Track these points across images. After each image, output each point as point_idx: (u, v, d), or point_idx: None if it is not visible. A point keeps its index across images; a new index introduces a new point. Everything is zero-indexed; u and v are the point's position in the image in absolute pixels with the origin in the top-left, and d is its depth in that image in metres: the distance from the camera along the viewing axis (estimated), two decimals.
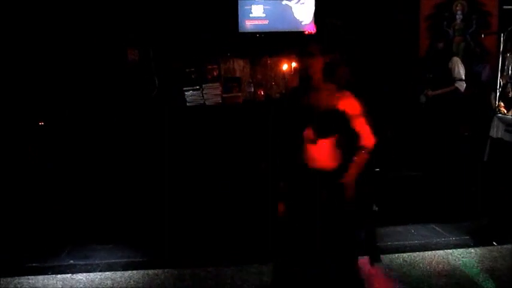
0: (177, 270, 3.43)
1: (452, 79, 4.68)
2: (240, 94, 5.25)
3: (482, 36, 5.43)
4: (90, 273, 3.45)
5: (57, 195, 4.47)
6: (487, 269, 3.30)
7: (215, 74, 5.33)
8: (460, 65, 4.71)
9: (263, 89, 5.42)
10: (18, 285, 3.28)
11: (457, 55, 5.08)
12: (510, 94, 4.83)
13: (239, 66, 5.53)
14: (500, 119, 4.69)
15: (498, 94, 4.84)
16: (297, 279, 2.40)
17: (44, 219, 4.25)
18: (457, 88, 4.68)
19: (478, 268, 3.32)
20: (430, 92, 4.81)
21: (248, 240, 3.92)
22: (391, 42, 5.32)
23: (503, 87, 4.88)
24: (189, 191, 4.60)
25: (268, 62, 5.58)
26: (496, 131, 4.71)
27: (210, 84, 5.15)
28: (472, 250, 3.63)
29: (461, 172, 4.64)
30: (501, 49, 4.88)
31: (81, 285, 3.28)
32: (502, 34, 4.89)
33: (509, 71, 4.84)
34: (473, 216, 4.20)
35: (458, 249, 3.65)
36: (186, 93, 5.09)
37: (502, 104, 4.81)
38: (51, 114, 4.83)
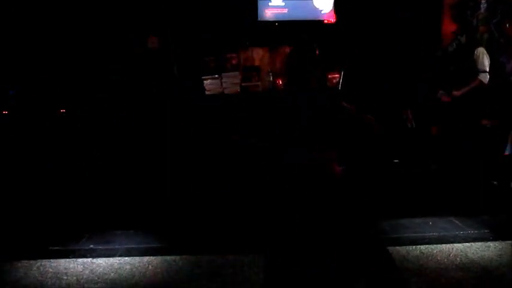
0: (195, 256, 3.48)
1: (476, 71, 4.56)
2: (259, 83, 5.24)
3: (507, 26, 5.28)
4: (110, 258, 3.52)
5: (80, 181, 4.56)
6: (505, 263, 3.26)
7: (234, 62, 5.33)
8: (485, 56, 4.58)
9: (282, 79, 5.39)
10: (41, 268, 3.38)
11: (481, 45, 4.95)
12: None
13: (258, 55, 5.51)
14: None
15: None
16: (296, 279, 2.38)
17: (66, 206, 4.35)
18: (481, 81, 4.57)
19: (497, 262, 3.28)
20: (455, 92, 4.66)
21: (268, 228, 3.95)
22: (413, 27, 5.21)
23: None
24: (209, 180, 4.63)
25: (287, 51, 5.54)
26: None
27: (229, 73, 5.15)
28: (491, 244, 3.59)
29: (482, 165, 4.57)
30: None
31: (100, 269, 3.35)
32: None
33: None
34: (493, 211, 4.14)
35: (477, 243, 3.61)
36: (205, 81, 5.10)
37: None
38: (70, 101, 4.85)
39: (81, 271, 3.33)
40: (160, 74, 5.05)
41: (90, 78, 4.83)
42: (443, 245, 3.60)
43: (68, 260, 3.51)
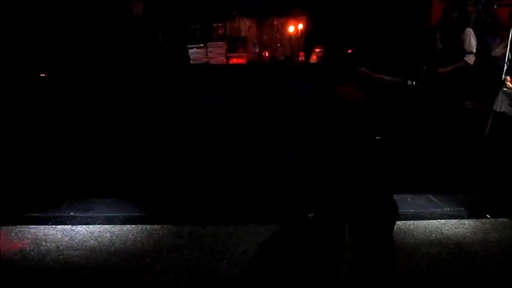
0: (176, 226, 3.50)
1: (463, 51, 4.59)
2: (244, 54, 5.17)
3: (495, 7, 5.28)
4: (90, 226, 3.52)
5: (61, 150, 4.50)
6: (479, 240, 3.37)
7: (220, 32, 5.23)
8: (472, 37, 4.60)
9: (268, 51, 5.33)
10: (19, 234, 3.36)
11: (469, 25, 4.96)
12: None
13: (245, 26, 5.41)
14: (505, 93, 4.65)
15: (506, 68, 4.77)
16: (295, 279, 2.41)
17: (46, 173, 4.30)
18: (466, 62, 4.60)
19: (470, 239, 3.38)
20: (441, 69, 4.70)
21: (247, 199, 3.98)
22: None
23: (511, 61, 4.80)
24: (190, 150, 4.63)
25: (275, 22, 5.46)
26: (500, 105, 4.68)
27: (215, 43, 5.07)
28: (466, 221, 3.69)
29: (462, 145, 4.65)
30: None
31: (80, 237, 3.35)
32: None
33: None
34: (469, 189, 4.24)
35: (452, 220, 3.71)
36: (190, 50, 5.01)
37: (508, 78, 4.74)
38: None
39: (61, 238, 3.32)
40: (144, 41, 4.93)
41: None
42: (420, 221, 3.69)
43: (47, 226, 3.49)
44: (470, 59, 4.60)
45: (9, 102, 4.42)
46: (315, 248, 2.35)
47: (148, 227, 3.50)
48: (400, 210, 3.84)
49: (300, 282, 2.37)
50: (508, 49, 4.75)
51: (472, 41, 4.61)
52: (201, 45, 5.02)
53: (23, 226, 3.46)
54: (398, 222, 3.63)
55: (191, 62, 5.02)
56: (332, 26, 4.78)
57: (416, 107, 4.93)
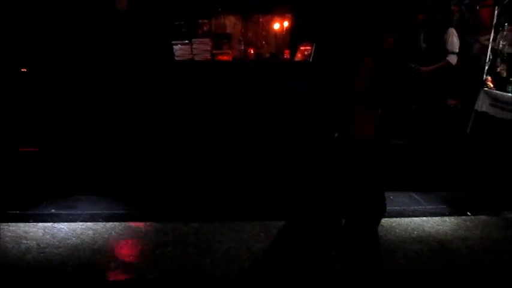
0: (160, 224, 3.48)
1: (445, 51, 4.65)
2: (229, 51, 5.14)
3: (477, 8, 5.36)
4: (72, 223, 3.47)
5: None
6: (460, 237, 3.42)
7: (205, 29, 5.19)
8: (455, 37, 4.67)
9: (253, 48, 5.31)
10: None
11: (452, 26, 5.02)
12: (498, 69, 4.84)
13: (230, 23, 5.38)
14: (486, 93, 4.72)
15: (487, 68, 4.85)
16: (292, 279, 2.41)
17: (27, 169, 4.23)
18: (448, 62, 4.66)
19: (452, 236, 3.44)
20: (423, 68, 4.76)
21: (231, 197, 3.98)
22: None
23: (492, 61, 4.88)
24: (186, 150, 4.61)
25: (260, 20, 5.44)
26: (481, 104, 4.75)
27: (200, 39, 5.02)
28: (447, 219, 3.75)
29: (445, 143, 4.71)
30: (494, 22, 4.84)
31: (62, 234, 3.30)
32: (496, 7, 4.84)
33: (500, 45, 4.82)
34: (451, 187, 4.31)
35: (434, 218, 3.77)
36: (174, 47, 4.97)
37: (489, 78, 4.82)
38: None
39: (42, 235, 3.27)
40: (128, 37, 4.88)
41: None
42: (402, 218, 3.73)
43: (27, 224, 3.43)
44: (453, 59, 4.66)
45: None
46: (312, 248, 2.36)
47: (132, 224, 3.47)
48: None
49: (297, 282, 2.38)
50: (489, 48, 4.82)
51: (454, 40, 4.67)
52: (186, 41, 4.98)
53: (2, 224, 3.40)
54: (381, 220, 3.67)
55: (176, 58, 4.98)
56: (328, 25, 4.80)
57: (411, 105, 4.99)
